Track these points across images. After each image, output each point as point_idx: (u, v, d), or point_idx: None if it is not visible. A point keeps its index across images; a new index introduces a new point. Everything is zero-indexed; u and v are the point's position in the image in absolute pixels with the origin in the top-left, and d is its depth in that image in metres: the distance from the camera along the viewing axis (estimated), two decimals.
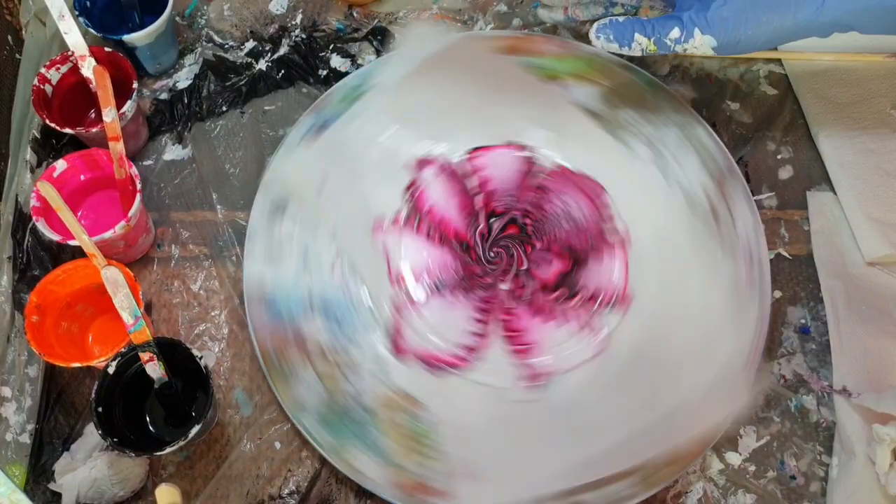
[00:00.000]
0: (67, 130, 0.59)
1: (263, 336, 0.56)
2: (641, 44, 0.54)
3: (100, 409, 0.49)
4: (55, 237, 0.55)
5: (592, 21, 0.56)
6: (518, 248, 0.60)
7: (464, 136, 0.63)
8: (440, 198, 0.61)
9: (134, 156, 0.65)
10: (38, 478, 0.55)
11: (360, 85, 0.64)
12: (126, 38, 0.62)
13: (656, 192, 0.61)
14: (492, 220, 0.61)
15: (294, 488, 0.55)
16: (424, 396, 0.55)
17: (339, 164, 0.61)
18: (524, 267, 0.59)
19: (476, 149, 0.63)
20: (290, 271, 0.58)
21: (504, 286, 0.59)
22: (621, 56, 0.57)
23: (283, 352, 0.56)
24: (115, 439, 0.49)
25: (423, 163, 0.62)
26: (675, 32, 0.53)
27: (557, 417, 0.55)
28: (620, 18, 0.56)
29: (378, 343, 0.57)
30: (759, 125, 0.67)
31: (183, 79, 0.68)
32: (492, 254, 0.60)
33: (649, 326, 0.57)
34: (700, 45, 0.52)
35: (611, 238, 0.60)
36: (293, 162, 0.61)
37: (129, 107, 0.59)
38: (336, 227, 0.59)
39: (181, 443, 0.49)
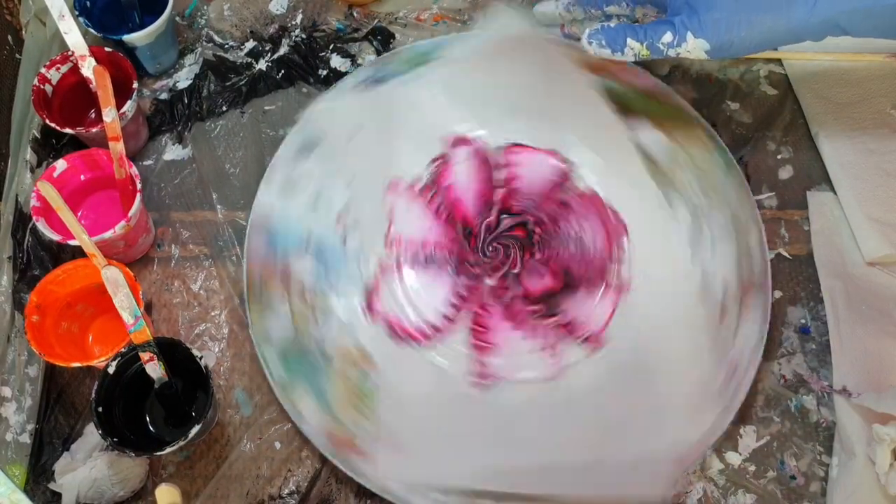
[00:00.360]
0: (67, 130, 0.59)
1: (255, 265, 0.58)
2: (634, 49, 0.54)
3: (100, 409, 0.49)
4: (55, 237, 0.55)
5: None
6: (517, 251, 0.60)
7: (510, 128, 0.63)
8: (463, 179, 0.61)
9: (134, 156, 0.65)
10: (38, 478, 0.55)
11: (430, 52, 0.65)
12: (126, 38, 0.62)
13: (677, 261, 0.58)
14: (503, 216, 0.61)
15: (294, 488, 0.55)
16: (380, 359, 0.56)
17: (378, 118, 0.61)
18: (515, 270, 0.59)
19: (517, 144, 0.63)
20: (299, 209, 0.59)
21: (489, 282, 0.59)
22: (613, 62, 0.56)
23: (267, 282, 0.58)
24: (115, 439, 0.49)
25: (459, 141, 0.62)
26: (668, 36, 0.53)
27: (493, 421, 0.55)
28: (612, 24, 0.56)
29: (355, 297, 0.58)
30: (759, 125, 0.67)
31: (183, 79, 0.68)
32: (490, 248, 0.60)
33: (610, 376, 0.56)
34: (693, 48, 0.52)
35: (611, 279, 0.58)
36: (338, 105, 0.62)
37: (129, 107, 0.59)
38: (354, 177, 0.60)
39: (181, 443, 0.49)
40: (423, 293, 0.58)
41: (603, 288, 0.58)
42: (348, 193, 0.60)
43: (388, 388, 0.55)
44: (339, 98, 0.63)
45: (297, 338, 0.56)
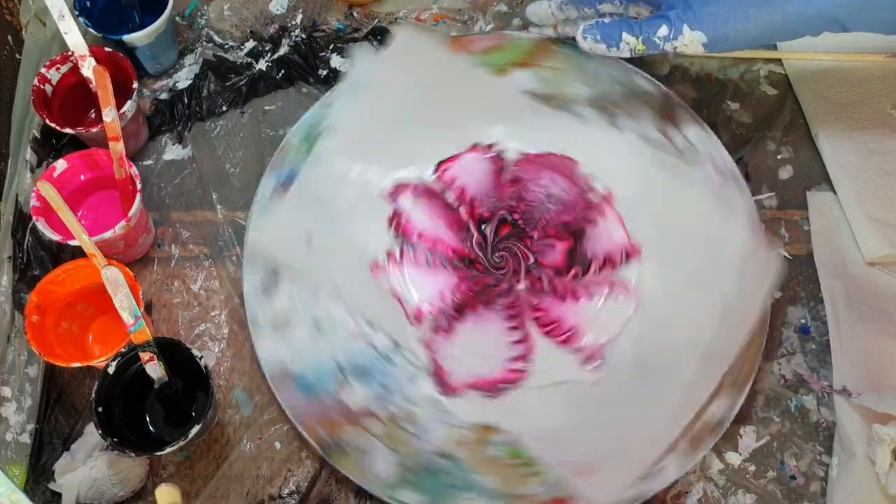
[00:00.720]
0: (67, 130, 0.59)
1: (308, 420, 0.54)
2: (630, 44, 0.54)
3: (100, 409, 0.49)
4: (55, 237, 0.55)
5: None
6: (518, 245, 0.60)
7: (427, 152, 0.62)
8: (426, 221, 0.60)
9: (134, 156, 0.65)
10: (38, 478, 0.55)
11: (313, 128, 0.62)
12: (126, 38, 0.62)
13: (617, 145, 0.62)
14: (483, 226, 0.60)
15: (294, 488, 0.55)
16: (497, 421, 0.54)
17: (316, 217, 0.59)
18: (531, 261, 0.59)
19: (443, 162, 0.62)
20: (308, 344, 0.56)
21: (521, 286, 0.58)
22: (609, 58, 0.58)
23: (335, 431, 0.54)
24: (115, 439, 0.49)
25: (396, 191, 0.60)
26: (664, 30, 0.53)
27: (632, 381, 0.55)
28: (607, 19, 0.56)
29: (426, 388, 0.55)
30: (759, 125, 0.67)
31: (183, 79, 0.68)
32: (496, 259, 0.59)
33: (664, 261, 0.58)
34: (690, 41, 0.53)
35: (597, 201, 0.60)
36: (271, 227, 0.59)
37: (129, 107, 0.59)
38: (336, 284, 0.57)
39: (181, 443, 0.49)
40: (479, 339, 0.57)
41: (598, 213, 0.60)
42: (341, 303, 0.57)
43: (527, 436, 0.53)
44: (266, 216, 0.59)
45: (408, 459, 0.53)
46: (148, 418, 0.55)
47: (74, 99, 0.63)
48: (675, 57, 0.65)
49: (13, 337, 0.58)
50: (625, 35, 0.54)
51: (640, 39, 0.54)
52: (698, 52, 0.53)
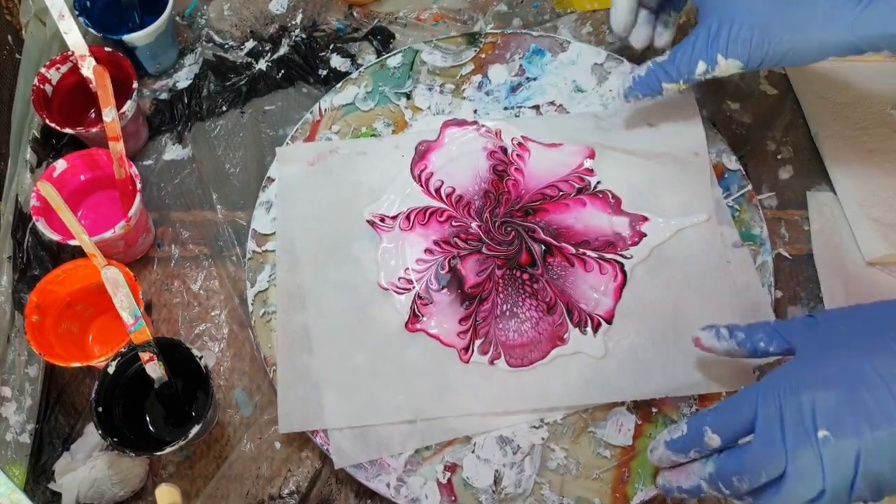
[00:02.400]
0: (67, 130, 0.59)
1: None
2: (671, 89, 0.55)
3: (100, 409, 0.49)
4: (55, 237, 0.55)
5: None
6: (515, 219, 0.60)
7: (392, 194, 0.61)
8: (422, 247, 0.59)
9: (134, 156, 0.65)
10: (38, 478, 0.55)
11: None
12: (126, 38, 0.62)
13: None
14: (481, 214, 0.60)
15: (294, 488, 0.55)
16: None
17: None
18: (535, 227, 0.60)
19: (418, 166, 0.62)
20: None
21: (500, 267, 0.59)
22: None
23: None
24: (115, 439, 0.49)
25: (378, 223, 0.60)
26: (701, 67, 0.52)
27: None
28: (641, 72, 0.56)
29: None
30: (759, 125, 0.67)
31: (183, 79, 0.68)
32: (501, 233, 0.59)
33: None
34: (727, 68, 0.52)
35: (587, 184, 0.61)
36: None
37: (129, 107, 0.59)
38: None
39: (181, 443, 0.49)
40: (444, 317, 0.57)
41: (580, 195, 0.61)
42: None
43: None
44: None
45: None
46: (148, 418, 0.55)
47: (74, 99, 0.63)
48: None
49: (13, 337, 0.58)
50: (665, 85, 0.55)
51: (680, 83, 0.54)
52: (735, 73, 0.52)
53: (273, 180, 0.62)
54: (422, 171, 0.61)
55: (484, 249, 0.58)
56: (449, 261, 0.58)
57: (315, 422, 0.54)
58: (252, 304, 0.58)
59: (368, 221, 0.60)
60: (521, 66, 0.66)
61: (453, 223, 0.59)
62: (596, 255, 0.58)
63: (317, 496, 0.55)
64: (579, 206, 0.60)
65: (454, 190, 0.61)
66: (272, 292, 0.59)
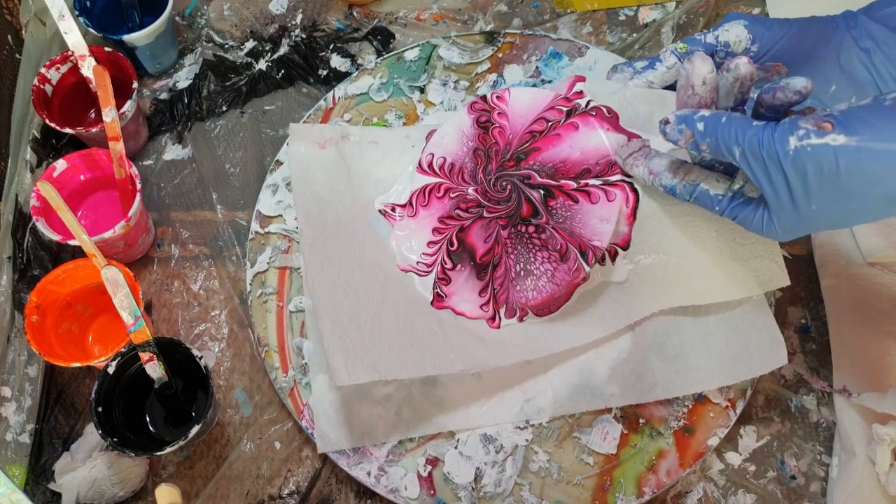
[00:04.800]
0: (67, 130, 0.59)
1: None
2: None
3: (100, 409, 0.49)
4: (55, 237, 0.55)
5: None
6: (510, 173, 0.56)
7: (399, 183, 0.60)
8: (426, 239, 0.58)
9: (134, 156, 0.65)
10: (38, 478, 0.55)
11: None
12: (126, 38, 0.62)
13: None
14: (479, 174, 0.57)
15: (294, 488, 0.55)
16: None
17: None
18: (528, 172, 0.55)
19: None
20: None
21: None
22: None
23: None
24: (115, 439, 0.49)
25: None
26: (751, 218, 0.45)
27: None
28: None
29: None
30: None
31: (183, 79, 0.68)
32: (497, 188, 0.56)
33: None
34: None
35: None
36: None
37: (129, 107, 0.59)
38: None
39: (181, 443, 0.49)
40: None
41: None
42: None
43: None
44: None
45: None
46: (148, 418, 0.55)
47: (74, 99, 0.63)
48: None
49: (13, 337, 0.58)
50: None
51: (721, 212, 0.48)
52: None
53: (281, 163, 0.62)
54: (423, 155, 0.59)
55: (485, 213, 0.56)
56: (455, 236, 0.57)
57: (372, 372, 0.50)
58: (250, 285, 0.59)
59: (380, 211, 0.59)
60: (537, 67, 0.66)
61: (451, 195, 0.57)
62: (600, 183, 0.53)
63: (317, 496, 0.55)
64: (571, 130, 0.54)
65: (445, 159, 0.58)
66: (271, 274, 0.59)
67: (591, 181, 0.53)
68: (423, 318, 0.55)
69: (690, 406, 0.55)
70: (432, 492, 0.53)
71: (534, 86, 0.65)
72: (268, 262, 0.59)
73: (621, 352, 0.56)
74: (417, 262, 0.57)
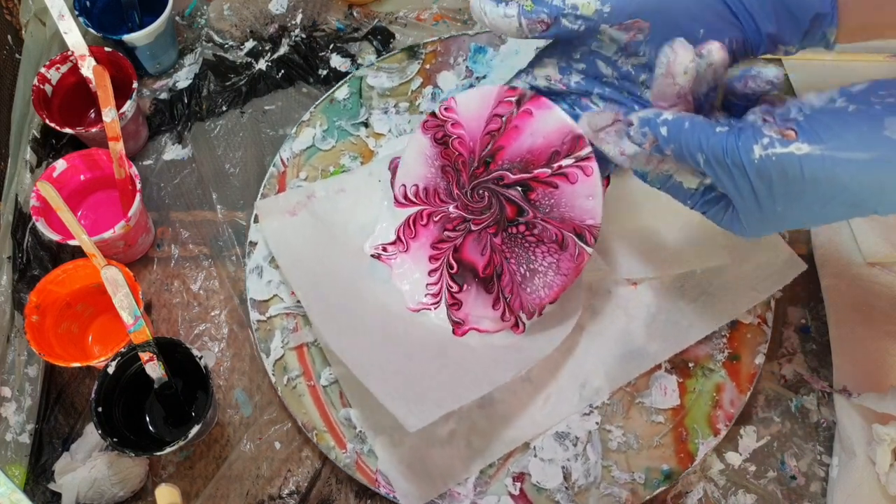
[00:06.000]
0: (67, 130, 0.59)
1: None
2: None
3: (100, 409, 0.49)
4: (55, 237, 0.55)
5: None
6: (488, 182, 0.54)
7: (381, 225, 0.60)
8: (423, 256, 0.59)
9: (134, 156, 0.65)
10: (38, 478, 0.55)
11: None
12: (126, 38, 0.62)
13: None
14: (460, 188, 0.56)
15: (294, 488, 0.55)
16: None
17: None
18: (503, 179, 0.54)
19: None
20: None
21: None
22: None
23: None
24: (115, 439, 0.49)
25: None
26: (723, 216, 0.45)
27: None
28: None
29: None
30: None
31: (183, 79, 0.68)
32: (476, 196, 0.55)
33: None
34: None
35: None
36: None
37: (129, 107, 0.59)
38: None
39: (181, 443, 0.49)
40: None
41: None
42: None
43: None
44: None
45: None
46: (148, 418, 0.55)
47: (74, 99, 0.63)
48: None
49: (13, 337, 0.58)
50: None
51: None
52: None
53: (255, 244, 0.61)
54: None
55: (472, 227, 0.56)
56: (452, 257, 0.57)
57: (438, 408, 0.49)
58: (273, 374, 0.57)
59: (373, 256, 0.59)
60: (467, 67, 0.66)
61: (434, 218, 0.57)
62: (573, 161, 0.50)
63: (317, 496, 0.55)
64: (527, 118, 0.51)
65: (417, 186, 0.57)
66: (290, 357, 0.57)
67: (564, 162, 0.50)
68: (454, 347, 0.56)
69: (728, 335, 0.58)
70: None
71: (471, 86, 0.65)
72: (282, 347, 0.58)
73: (649, 307, 0.58)
74: (426, 295, 0.58)
